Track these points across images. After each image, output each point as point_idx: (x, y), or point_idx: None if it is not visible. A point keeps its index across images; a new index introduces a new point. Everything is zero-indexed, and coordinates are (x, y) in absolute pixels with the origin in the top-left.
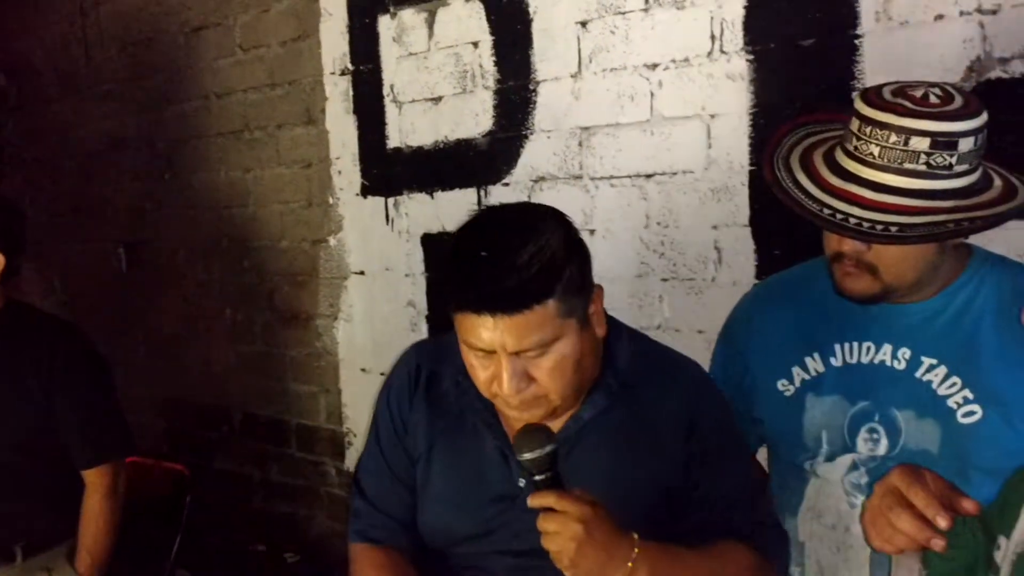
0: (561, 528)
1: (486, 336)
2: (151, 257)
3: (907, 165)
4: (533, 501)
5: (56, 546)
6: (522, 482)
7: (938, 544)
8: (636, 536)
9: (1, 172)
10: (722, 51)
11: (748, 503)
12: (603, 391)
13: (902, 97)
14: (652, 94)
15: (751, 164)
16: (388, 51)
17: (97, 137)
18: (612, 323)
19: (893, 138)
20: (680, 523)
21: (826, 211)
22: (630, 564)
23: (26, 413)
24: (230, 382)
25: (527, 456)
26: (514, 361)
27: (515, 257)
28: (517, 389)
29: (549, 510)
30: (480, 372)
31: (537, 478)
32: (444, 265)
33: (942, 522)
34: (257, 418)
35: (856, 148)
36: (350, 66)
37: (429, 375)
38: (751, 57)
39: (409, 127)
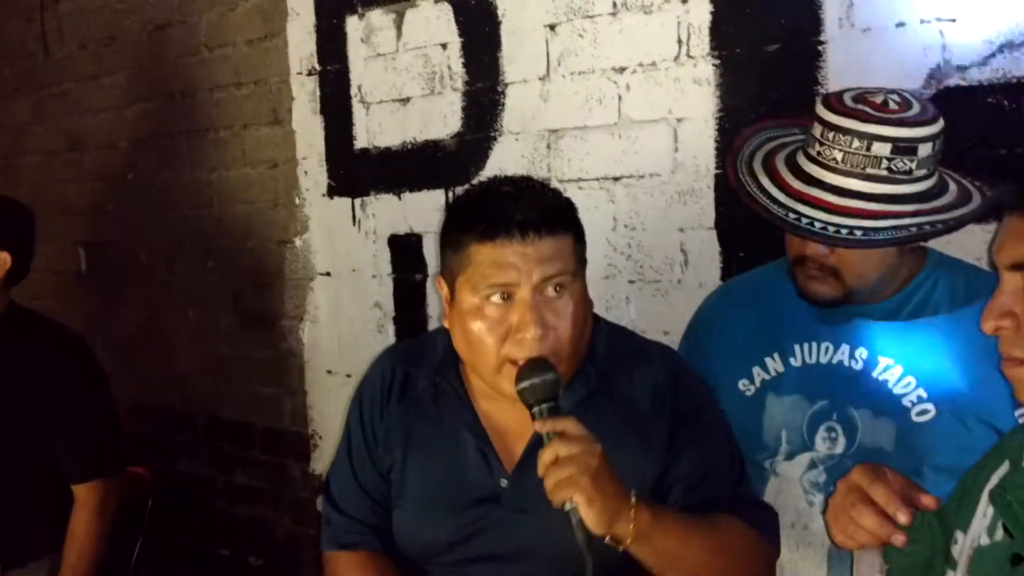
0: (581, 448)
1: (513, 262)
2: (112, 258)
3: (869, 170)
4: (544, 425)
5: (37, 560)
6: (504, 482)
7: (899, 540)
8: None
9: None
10: (689, 56)
11: (733, 479)
12: (582, 380)
13: (863, 103)
14: (620, 97)
15: (717, 168)
16: (356, 51)
17: (56, 136)
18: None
19: (855, 143)
20: (666, 502)
21: (791, 216)
22: (632, 500)
23: (22, 421)
24: (194, 385)
25: (530, 382)
26: (535, 303)
27: (539, 191)
28: (542, 333)
29: (559, 436)
30: (488, 335)
31: (541, 407)
32: (460, 207)
33: (903, 518)
34: (222, 421)
35: (819, 153)
36: (317, 66)
37: (404, 377)
38: (717, 62)
39: (377, 128)
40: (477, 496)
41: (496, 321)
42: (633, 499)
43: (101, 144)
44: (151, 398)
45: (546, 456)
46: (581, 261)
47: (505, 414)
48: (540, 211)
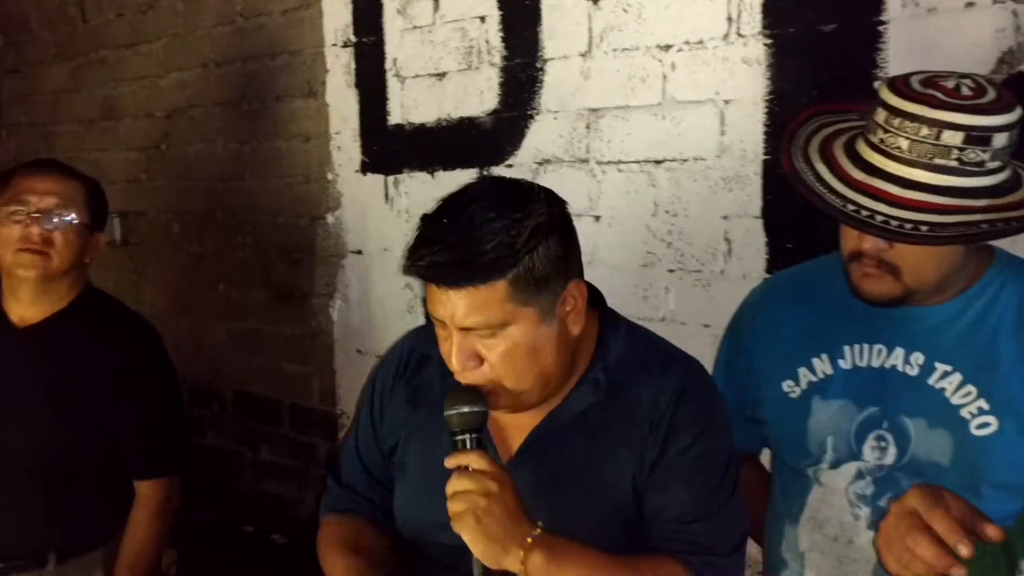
0: (474, 485)
1: (438, 306)
2: (146, 228)
3: (937, 160)
4: (450, 461)
5: (91, 552)
6: None
7: (958, 573)
8: (540, 524)
9: None
10: (739, 34)
11: (701, 523)
12: (589, 385)
13: (933, 88)
14: (664, 76)
15: (765, 153)
16: (392, 23)
17: (92, 104)
18: (611, 316)
19: (924, 131)
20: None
21: (850, 207)
22: (529, 540)
23: (90, 410)
24: (223, 359)
25: (452, 413)
26: (464, 337)
27: (473, 232)
28: (463, 366)
29: (464, 470)
30: (442, 343)
31: (459, 437)
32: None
33: (964, 550)
34: (250, 396)
35: (882, 141)
36: (352, 38)
37: (420, 359)
38: (769, 41)
39: (411, 103)
40: None
41: (443, 338)
42: (530, 540)
43: (136, 113)
44: (180, 369)
45: (448, 490)
46: (528, 301)
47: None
48: (460, 259)
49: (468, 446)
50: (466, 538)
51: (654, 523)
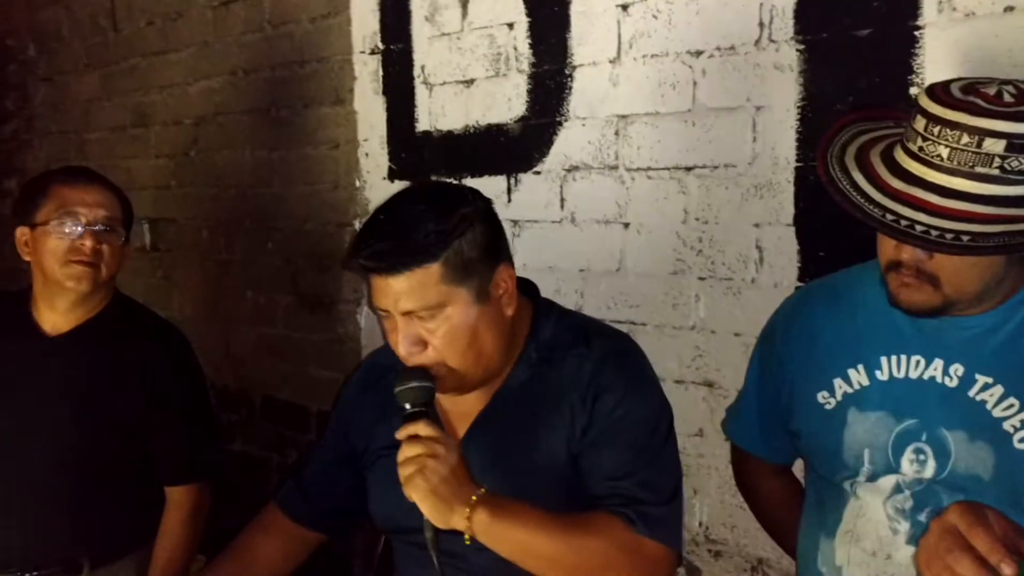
0: (424, 450)
1: (380, 295)
2: (175, 234)
3: (979, 169)
4: (401, 433)
5: (123, 559)
6: None
7: None
8: (483, 487)
9: (28, 143)
10: (771, 40)
11: (632, 479)
12: (524, 363)
13: (974, 95)
14: (695, 83)
15: (798, 160)
16: (420, 30)
17: (123, 112)
18: (544, 304)
19: (965, 139)
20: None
21: (889, 217)
22: (474, 498)
23: (120, 417)
24: (251, 365)
25: (400, 388)
26: (407, 323)
27: (407, 222)
28: (408, 351)
29: (415, 438)
30: (390, 335)
31: (410, 411)
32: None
33: (1007, 570)
34: (278, 402)
35: (921, 149)
36: (380, 45)
37: (382, 371)
38: (801, 47)
39: (439, 110)
40: None
41: (390, 329)
42: (475, 498)
43: (166, 120)
44: (208, 375)
45: (399, 456)
46: (460, 281)
47: (453, 397)
48: (392, 247)
49: (416, 418)
50: (416, 498)
51: (589, 484)
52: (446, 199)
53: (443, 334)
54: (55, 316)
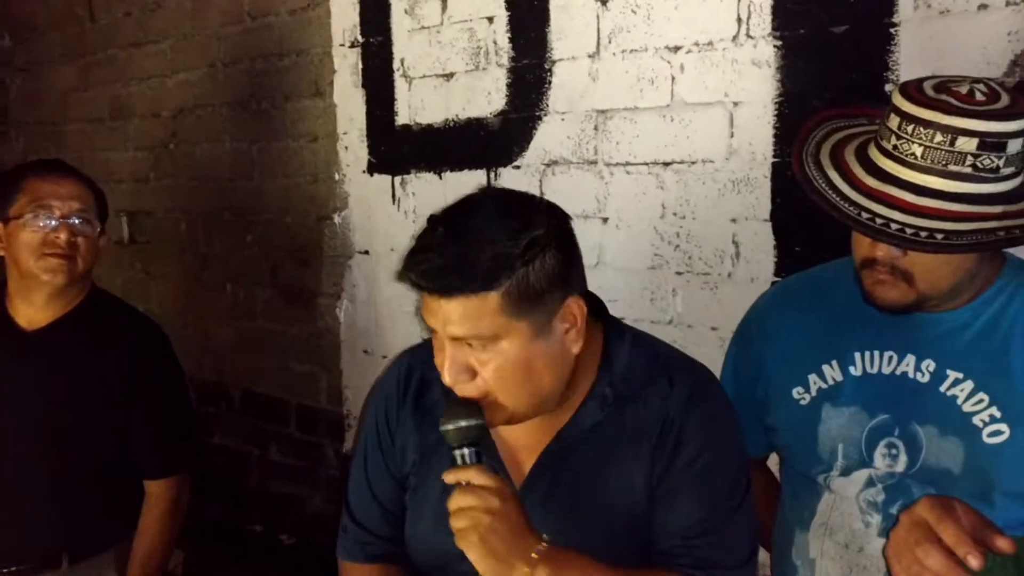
0: (478, 502)
1: (430, 314)
2: (153, 227)
3: (952, 167)
4: (449, 476)
5: (103, 552)
6: None
7: None
8: (546, 537)
9: (4, 134)
10: (748, 35)
11: (708, 537)
12: (596, 401)
13: (946, 93)
14: (673, 78)
15: (775, 156)
16: (399, 23)
17: (101, 103)
18: (614, 327)
19: (938, 138)
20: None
21: (864, 215)
22: (535, 555)
23: (99, 412)
24: (230, 358)
25: (449, 427)
26: (456, 348)
27: (469, 240)
28: (454, 379)
29: (466, 486)
30: (437, 353)
31: (458, 452)
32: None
33: (974, 562)
34: (257, 396)
35: (896, 147)
36: (360, 38)
37: (420, 381)
38: (779, 43)
39: (419, 104)
40: None
41: (439, 348)
42: (535, 555)
43: (145, 113)
44: (187, 369)
45: (450, 506)
46: (521, 314)
47: (514, 427)
48: (449, 267)
49: (467, 460)
50: (471, 556)
51: (660, 537)
52: (518, 214)
53: (495, 368)
54: (31, 311)
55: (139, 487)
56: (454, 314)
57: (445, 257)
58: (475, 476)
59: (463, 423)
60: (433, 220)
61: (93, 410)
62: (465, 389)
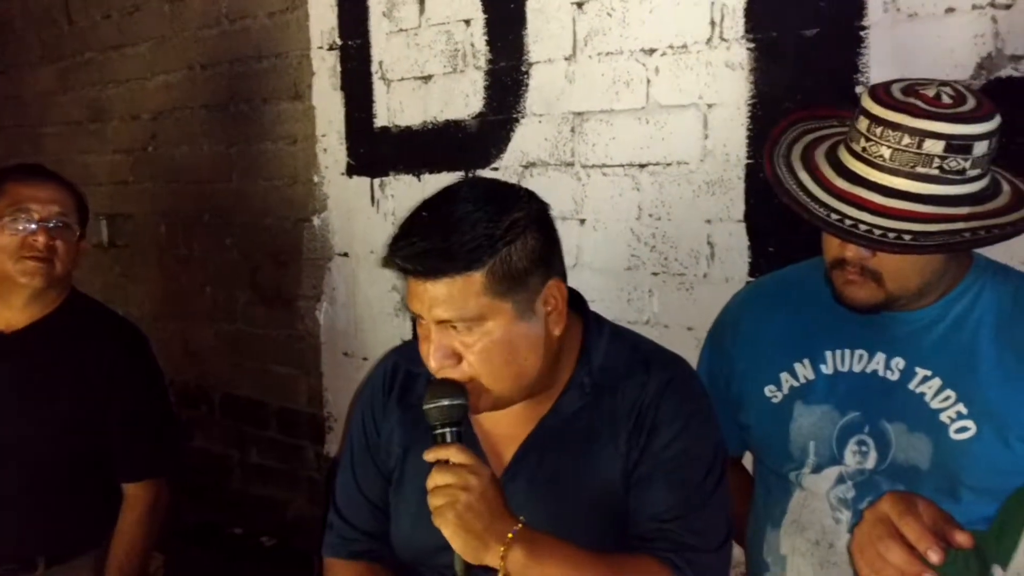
0: (456, 480)
1: (415, 299)
2: (133, 230)
3: (919, 169)
4: (430, 454)
5: (80, 556)
6: None
7: None
8: (522, 518)
9: None
10: (722, 38)
11: (682, 521)
12: (576, 390)
13: (914, 96)
14: (648, 80)
15: (748, 157)
16: (378, 26)
17: (79, 106)
18: (594, 320)
19: (906, 140)
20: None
21: (834, 216)
22: (510, 536)
23: (77, 416)
24: (210, 361)
25: (431, 406)
26: (441, 332)
27: (451, 222)
28: (440, 364)
29: (445, 464)
30: (422, 343)
31: (439, 431)
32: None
33: (934, 557)
34: (237, 399)
35: (865, 149)
36: (338, 40)
37: (406, 376)
38: (752, 46)
39: (397, 106)
40: None
41: (423, 336)
42: (511, 535)
43: (123, 115)
44: (167, 372)
45: (428, 483)
46: (505, 294)
47: (494, 417)
48: (437, 249)
49: (448, 440)
50: (446, 533)
51: (636, 521)
52: (498, 199)
53: (480, 350)
54: (10, 313)
55: (117, 491)
56: (439, 296)
57: (429, 240)
58: (454, 454)
59: (445, 402)
60: (417, 208)
61: (70, 413)
62: (451, 374)
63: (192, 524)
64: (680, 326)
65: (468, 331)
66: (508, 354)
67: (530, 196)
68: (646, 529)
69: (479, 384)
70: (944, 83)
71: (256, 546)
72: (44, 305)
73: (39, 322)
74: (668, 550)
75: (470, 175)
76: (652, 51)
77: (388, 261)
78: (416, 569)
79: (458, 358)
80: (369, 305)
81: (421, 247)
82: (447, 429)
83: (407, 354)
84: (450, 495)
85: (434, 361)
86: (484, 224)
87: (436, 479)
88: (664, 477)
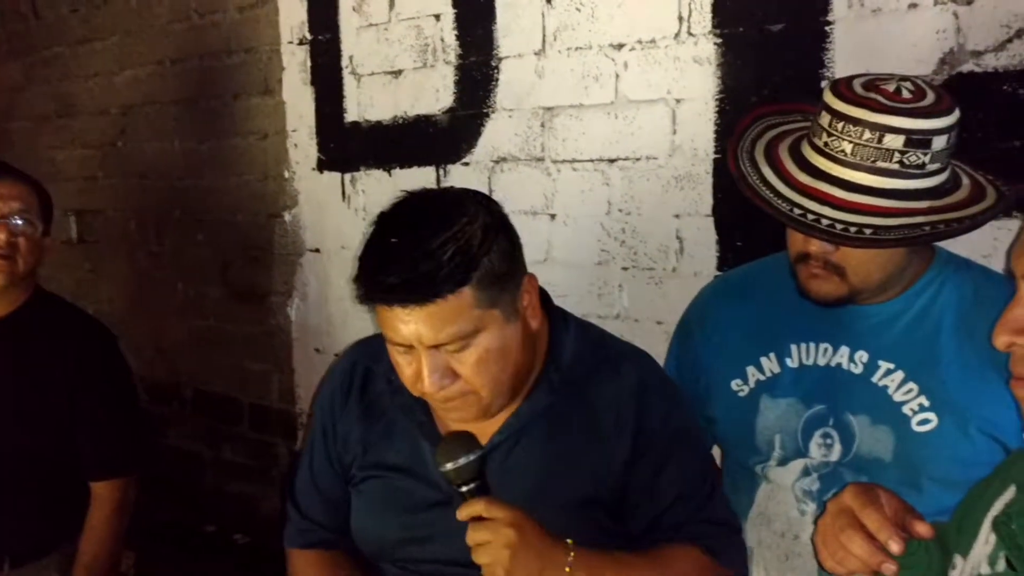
0: (493, 536)
1: (402, 329)
2: (102, 227)
3: (880, 163)
4: (461, 513)
5: (46, 557)
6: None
7: (890, 569)
8: (570, 541)
9: None
10: (689, 33)
11: (701, 500)
12: (545, 387)
13: (874, 91)
14: (617, 75)
15: (716, 152)
16: (347, 21)
17: (47, 101)
18: (558, 314)
19: (867, 135)
20: (630, 523)
21: (796, 211)
22: (567, 570)
23: (43, 415)
24: (181, 357)
25: (449, 467)
26: (434, 355)
27: (427, 244)
28: (439, 386)
29: (478, 520)
30: (405, 368)
31: (463, 489)
32: (361, 253)
33: (894, 547)
34: (209, 395)
35: (826, 144)
36: (308, 35)
37: (365, 374)
38: (719, 40)
39: (368, 101)
40: (430, 499)
41: (407, 363)
42: (568, 569)
43: (92, 110)
44: (139, 369)
45: (468, 541)
46: (493, 302)
47: (451, 418)
48: (423, 274)
49: (474, 495)
50: None
51: (662, 511)
52: (457, 209)
53: (475, 361)
54: None
55: (83, 489)
56: (430, 321)
57: (409, 269)
58: (484, 509)
59: (462, 460)
60: (376, 236)
61: (34, 412)
62: (449, 391)
63: (164, 522)
64: (650, 320)
65: (463, 348)
66: (503, 359)
67: (483, 198)
68: (674, 515)
69: (475, 395)
70: (904, 78)
71: (229, 543)
72: (7, 303)
73: (2, 320)
74: (703, 533)
75: (442, 170)
76: (621, 46)
77: (367, 298)
78: (377, 563)
79: (455, 375)
80: (341, 301)
81: (404, 277)
82: (472, 485)
83: (368, 351)
84: (492, 554)
85: (431, 385)
86: (457, 239)
87: (475, 536)
88: (671, 459)
